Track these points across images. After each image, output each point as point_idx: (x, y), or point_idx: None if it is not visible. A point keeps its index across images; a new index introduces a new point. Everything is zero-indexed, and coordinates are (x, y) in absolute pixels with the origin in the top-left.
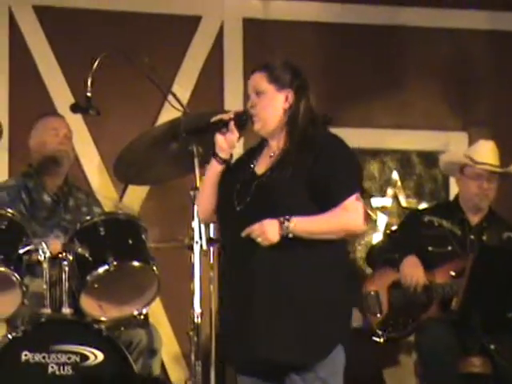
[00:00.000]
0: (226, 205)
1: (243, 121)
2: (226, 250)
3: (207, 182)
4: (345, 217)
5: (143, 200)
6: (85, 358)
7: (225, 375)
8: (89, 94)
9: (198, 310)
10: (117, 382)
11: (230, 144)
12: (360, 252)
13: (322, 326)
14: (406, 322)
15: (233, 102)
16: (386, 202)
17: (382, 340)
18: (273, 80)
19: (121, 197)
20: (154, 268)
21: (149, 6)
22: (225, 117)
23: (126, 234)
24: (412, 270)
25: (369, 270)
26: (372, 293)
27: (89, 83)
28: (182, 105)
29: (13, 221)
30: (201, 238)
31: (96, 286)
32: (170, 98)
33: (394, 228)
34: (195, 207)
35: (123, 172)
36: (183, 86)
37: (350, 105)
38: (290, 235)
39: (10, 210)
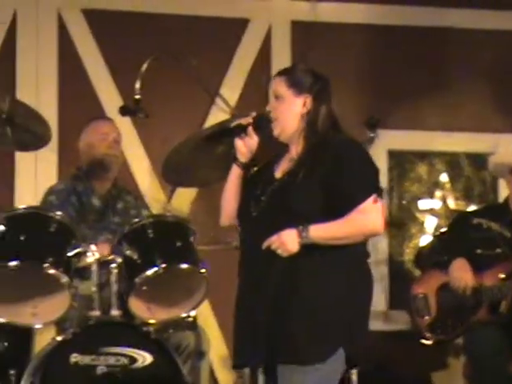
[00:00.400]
0: (245, 210)
1: (263, 125)
2: (244, 254)
3: (229, 186)
4: (362, 220)
5: (191, 202)
6: (133, 360)
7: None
8: (137, 97)
9: None
10: None
11: (249, 148)
12: (408, 254)
13: (330, 329)
14: (455, 324)
15: None
16: (435, 204)
17: (430, 342)
18: (292, 85)
19: (169, 199)
20: (203, 270)
21: (197, 9)
22: (243, 121)
23: (174, 236)
24: (461, 273)
25: (417, 272)
26: (420, 295)
27: (137, 86)
28: (229, 107)
29: (62, 223)
30: None
31: (144, 288)
32: (218, 100)
33: (442, 230)
34: None
35: (171, 174)
36: (231, 89)
37: (398, 107)
38: (309, 243)
39: (58, 213)
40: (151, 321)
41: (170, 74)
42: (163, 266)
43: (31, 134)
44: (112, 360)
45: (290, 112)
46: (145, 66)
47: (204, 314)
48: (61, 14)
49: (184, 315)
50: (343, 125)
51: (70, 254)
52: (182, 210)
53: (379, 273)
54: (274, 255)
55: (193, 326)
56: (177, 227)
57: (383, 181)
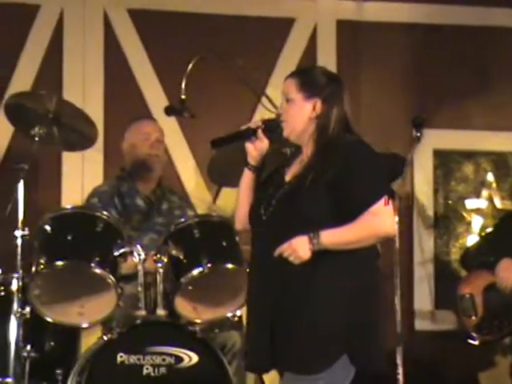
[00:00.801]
0: (255, 214)
1: (273, 128)
2: (254, 257)
3: (241, 190)
4: (373, 222)
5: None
6: (179, 359)
7: None
8: (183, 97)
9: None
10: None
11: (259, 151)
12: (454, 254)
13: (331, 337)
14: (502, 324)
15: None
16: (481, 203)
17: (477, 343)
18: (302, 88)
19: (214, 199)
20: (248, 270)
21: (243, 9)
22: (252, 125)
23: (219, 236)
24: (508, 273)
25: (464, 273)
26: (467, 295)
27: (183, 86)
28: (275, 107)
29: (108, 223)
30: None
31: (190, 288)
32: (264, 99)
33: (488, 230)
34: None
35: (217, 174)
36: (277, 88)
37: (444, 106)
38: (321, 249)
39: (105, 213)
40: (197, 320)
41: (216, 73)
42: (209, 265)
43: (78, 133)
44: (158, 359)
45: (300, 115)
46: (190, 65)
47: None
48: (107, 13)
49: (229, 315)
50: (389, 124)
51: (116, 253)
52: (227, 210)
53: (425, 272)
54: (284, 260)
55: (238, 325)
56: (222, 227)
57: (429, 180)
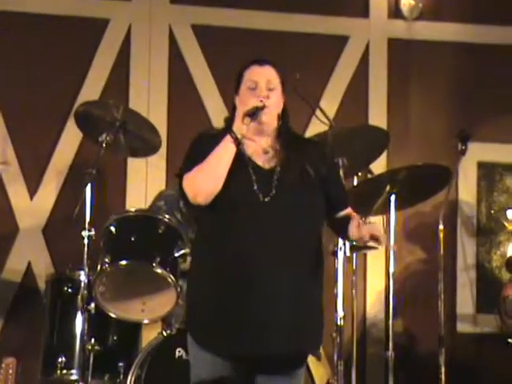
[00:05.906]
0: (248, 195)
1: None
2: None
3: (222, 161)
4: None
5: None
6: None
7: (365, 375)
8: None
9: (340, 313)
10: None
11: (247, 129)
12: (496, 261)
13: (322, 320)
14: None
15: (377, 117)
16: None
17: None
18: (281, 81)
19: None
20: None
21: (300, 26)
22: (259, 104)
23: None
24: None
25: (506, 278)
26: (511, 297)
27: None
28: (328, 119)
29: (169, 226)
30: (344, 244)
31: None
32: (318, 111)
33: None
34: None
35: None
36: (330, 102)
37: (488, 121)
38: None
39: (167, 216)
40: None
41: None
42: None
43: (142, 140)
44: None
45: (279, 106)
46: None
47: None
48: (172, 29)
49: None
50: (436, 137)
51: (176, 254)
52: None
53: (468, 278)
54: (294, 238)
55: None
56: None
57: (473, 191)
